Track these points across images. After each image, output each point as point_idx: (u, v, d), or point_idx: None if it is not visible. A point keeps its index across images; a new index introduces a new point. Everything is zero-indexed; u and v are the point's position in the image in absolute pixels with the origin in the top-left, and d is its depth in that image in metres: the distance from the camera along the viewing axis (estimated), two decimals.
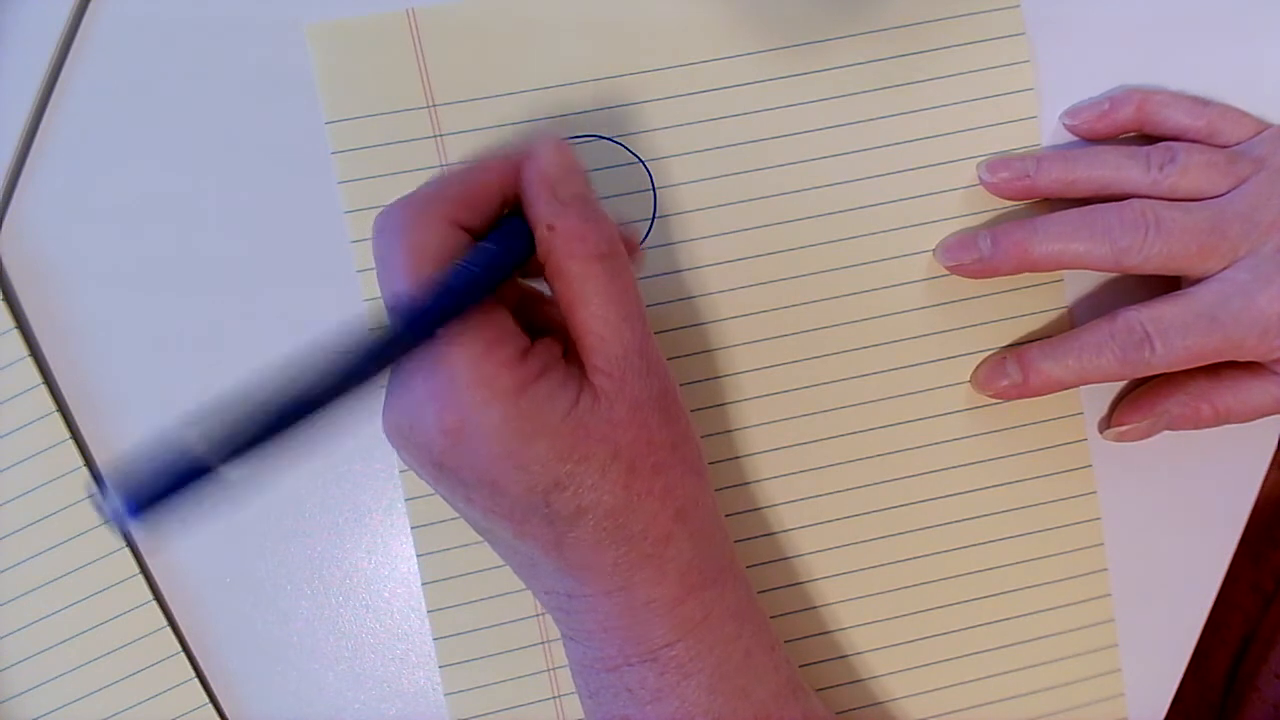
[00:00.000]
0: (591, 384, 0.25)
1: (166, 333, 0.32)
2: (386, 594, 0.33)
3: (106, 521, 0.23)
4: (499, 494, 0.24)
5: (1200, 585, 0.35)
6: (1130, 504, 0.34)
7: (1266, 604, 0.36)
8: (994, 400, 0.33)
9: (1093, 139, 0.34)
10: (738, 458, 0.33)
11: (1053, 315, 0.34)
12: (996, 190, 0.33)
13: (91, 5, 0.32)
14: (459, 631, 0.32)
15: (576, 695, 0.31)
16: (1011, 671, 0.34)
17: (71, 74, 0.32)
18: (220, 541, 0.32)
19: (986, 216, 0.34)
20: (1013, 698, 0.34)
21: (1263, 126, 0.32)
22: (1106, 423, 0.34)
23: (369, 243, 0.32)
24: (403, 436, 0.25)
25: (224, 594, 0.32)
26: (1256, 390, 0.32)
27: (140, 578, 0.32)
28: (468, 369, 0.23)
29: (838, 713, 0.34)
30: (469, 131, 0.32)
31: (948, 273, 0.33)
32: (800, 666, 0.34)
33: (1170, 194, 0.31)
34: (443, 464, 0.24)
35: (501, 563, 0.32)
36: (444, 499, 0.26)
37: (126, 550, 0.32)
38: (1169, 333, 0.30)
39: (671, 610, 0.26)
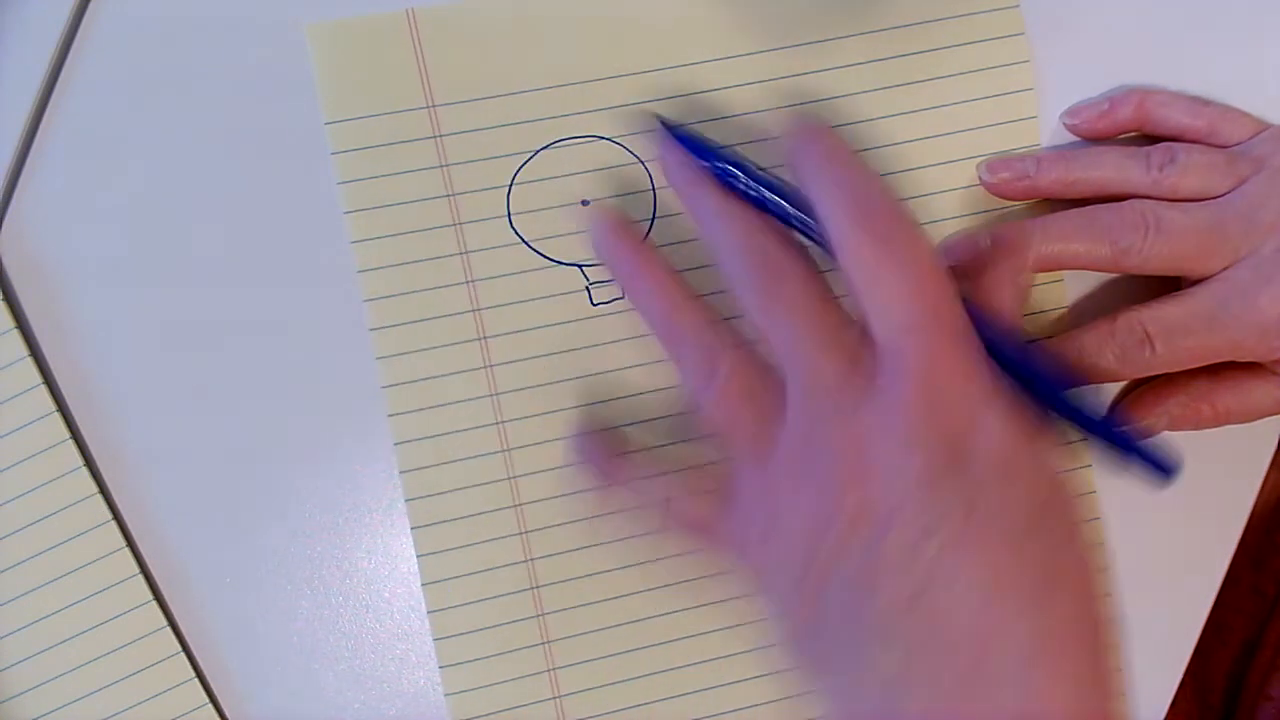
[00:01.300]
0: None
1: (166, 333, 0.32)
2: (386, 594, 0.33)
3: None
4: (1007, 492, 0.22)
5: (1200, 585, 0.35)
6: (1130, 504, 0.34)
7: (1270, 608, 0.36)
8: None
9: (1093, 139, 0.34)
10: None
11: (1053, 315, 0.34)
12: (996, 190, 0.33)
13: (91, 5, 0.32)
14: (459, 632, 0.32)
15: (578, 696, 0.31)
16: None
17: (71, 74, 0.32)
18: (220, 541, 0.32)
19: (986, 216, 0.34)
20: None
21: (1263, 126, 0.32)
22: None
23: (369, 243, 0.32)
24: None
25: (224, 594, 0.32)
26: (1257, 391, 0.32)
27: (140, 578, 0.32)
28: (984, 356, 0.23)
29: None
30: (469, 131, 0.32)
31: None
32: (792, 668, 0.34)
33: (1170, 194, 0.31)
34: (958, 449, 0.22)
35: (501, 563, 0.32)
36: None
37: (126, 550, 0.32)
38: (1169, 333, 0.30)
39: None
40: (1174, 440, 0.33)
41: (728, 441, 0.26)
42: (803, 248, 0.26)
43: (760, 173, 0.26)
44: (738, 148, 0.32)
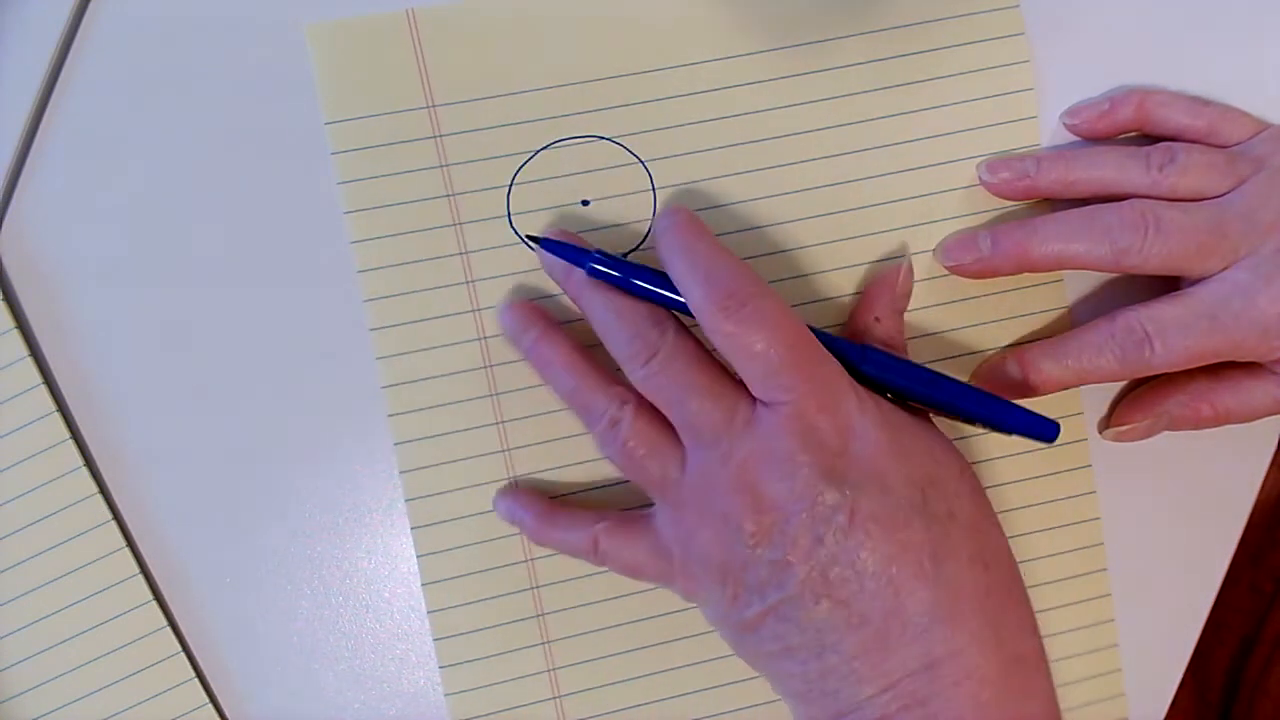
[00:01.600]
0: None
1: (166, 333, 0.32)
2: (386, 594, 0.33)
3: None
4: (885, 489, 0.26)
5: (1200, 585, 0.35)
6: (1130, 504, 0.34)
7: (1268, 605, 0.36)
8: None
9: (1093, 139, 0.34)
10: None
11: (1053, 315, 0.34)
12: (996, 190, 0.33)
13: (91, 5, 0.32)
14: (459, 632, 0.32)
15: (578, 696, 0.31)
16: None
17: (71, 74, 0.32)
18: (220, 541, 0.32)
19: (986, 216, 0.34)
20: None
21: (1263, 126, 0.32)
22: (1106, 423, 0.34)
23: (369, 243, 0.32)
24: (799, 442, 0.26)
25: (224, 594, 0.32)
26: (1257, 391, 0.32)
27: (140, 578, 0.32)
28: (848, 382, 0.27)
29: None
30: (469, 131, 0.32)
31: (948, 273, 0.33)
32: None
33: (1170, 194, 0.31)
34: (833, 470, 0.26)
35: (501, 563, 0.32)
36: (794, 566, 0.26)
37: (126, 550, 0.32)
38: (1169, 333, 0.30)
39: (1043, 670, 0.27)
40: (1174, 440, 0.33)
41: (643, 486, 0.30)
42: (674, 319, 0.29)
43: (627, 262, 0.29)
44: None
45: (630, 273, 0.29)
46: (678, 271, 0.28)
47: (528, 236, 0.31)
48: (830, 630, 0.25)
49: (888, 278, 0.32)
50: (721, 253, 0.28)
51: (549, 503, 0.32)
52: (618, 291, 0.29)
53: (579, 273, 0.30)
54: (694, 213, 0.29)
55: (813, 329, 0.28)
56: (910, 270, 0.32)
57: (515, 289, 0.32)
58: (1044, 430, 0.29)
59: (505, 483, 0.32)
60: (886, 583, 0.25)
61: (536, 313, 0.31)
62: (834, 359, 0.27)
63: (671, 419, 0.28)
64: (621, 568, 0.30)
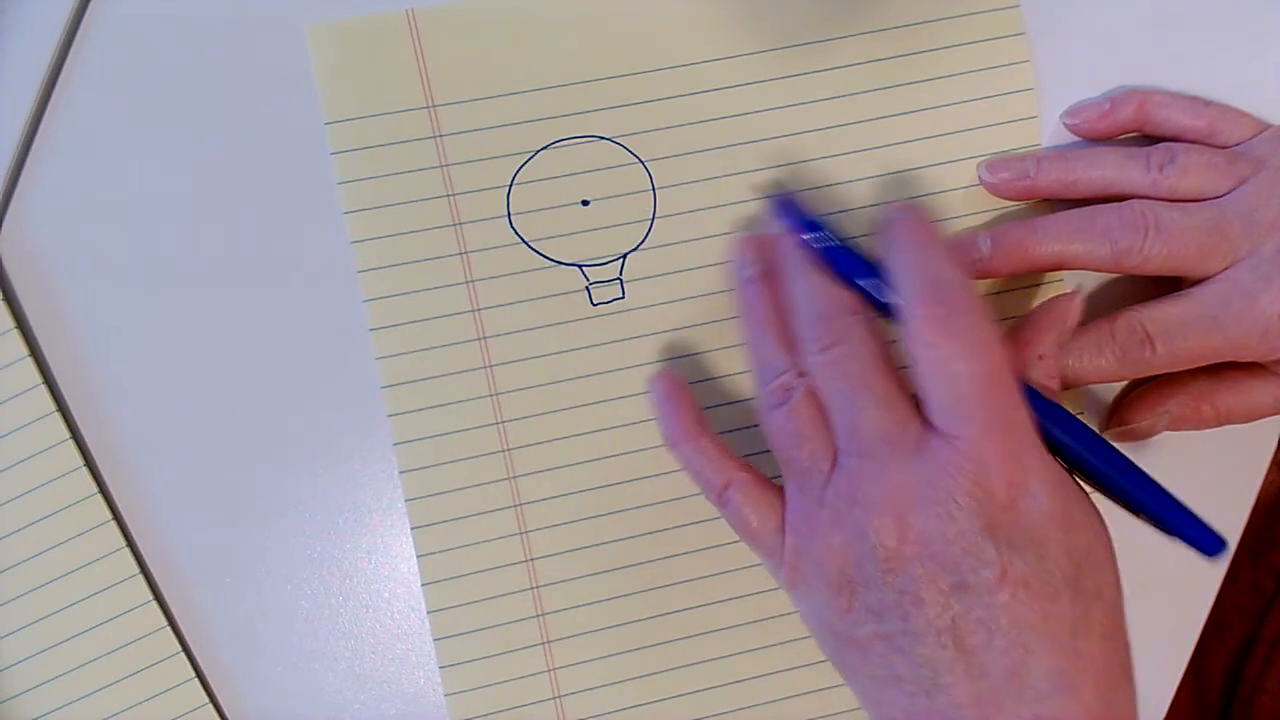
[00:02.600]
0: None
1: (166, 332, 0.32)
2: (386, 594, 0.33)
3: None
4: (1041, 557, 0.25)
5: (1200, 585, 0.35)
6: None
7: (1267, 604, 0.36)
8: None
9: (1093, 139, 0.34)
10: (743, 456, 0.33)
11: None
12: (996, 190, 0.33)
13: (91, 5, 0.32)
14: (459, 632, 0.32)
15: (578, 696, 0.31)
16: None
17: (71, 74, 0.32)
18: (220, 542, 0.32)
19: (986, 216, 0.34)
20: None
21: (1263, 127, 0.32)
22: (1107, 422, 0.34)
23: (369, 243, 0.32)
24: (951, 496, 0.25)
25: (224, 594, 0.32)
26: (1258, 391, 0.32)
27: (140, 578, 0.32)
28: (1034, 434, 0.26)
29: (836, 714, 0.34)
30: (469, 131, 0.32)
31: None
32: (795, 669, 0.34)
33: (1170, 195, 0.31)
34: (995, 525, 0.24)
35: (501, 563, 0.32)
36: (925, 604, 0.25)
37: (126, 550, 0.32)
38: (1169, 333, 0.30)
39: None
40: (1174, 440, 0.33)
41: (784, 463, 0.28)
42: (871, 316, 0.28)
43: (843, 245, 0.29)
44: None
45: (842, 255, 0.28)
46: (898, 267, 0.27)
47: (767, 197, 0.30)
48: (946, 673, 0.24)
49: (1057, 310, 0.30)
50: (948, 263, 0.26)
51: (699, 423, 0.30)
52: (821, 267, 0.28)
53: (790, 235, 0.29)
54: (928, 215, 0.28)
55: None
56: (1081, 303, 0.30)
57: (515, 289, 0.32)
58: (1209, 544, 0.28)
59: (505, 482, 0.32)
60: (1019, 645, 0.24)
61: (764, 253, 0.30)
62: (1026, 404, 0.26)
63: (833, 415, 0.27)
64: (736, 523, 0.29)
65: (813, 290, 0.28)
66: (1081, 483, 0.28)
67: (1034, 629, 0.24)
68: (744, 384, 0.33)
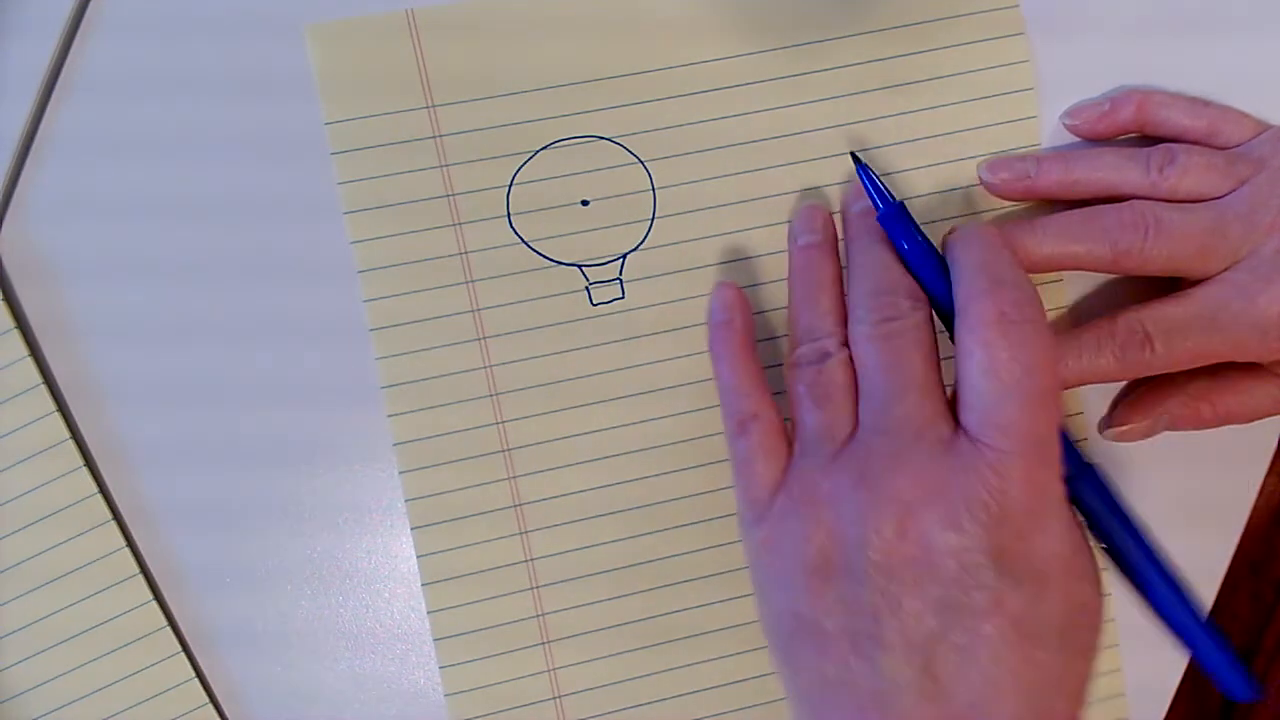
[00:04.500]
0: None
1: (167, 332, 0.32)
2: (386, 594, 0.33)
3: None
4: (1039, 599, 0.23)
5: (1201, 585, 0.35)
6: (1130, 504, 0.34)
7: (1267, 615, 0.36)
8: None
9: (1093, 139, 0.34)
10: None
11: (1053, 315, 0.34)
12: (996, 191, 0.33)
13: (92, 4, 0.32)
14: (459, 632, 0.32)
15: (578, 696, 0.31)
16: None
17: (71, 74, 0.32)
18: (220, 542, 0.32)
19: (986, 217, 0.34)
20: None
21: (1263, 127, 0.32)
22: (1106, 422, 0.34)
23: (369, 243, 0.32)
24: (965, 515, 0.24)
25: (224, 594, 0.32)
26: (1257, 391, 0.32)
27: (140, 578, 0.32)
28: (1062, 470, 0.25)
29: None
30: (469, 132, 0.32)
31: None
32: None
33: (1170, 195, 0.31)
34: (1002, 550, 0.23)
35: (501, 563, 0.32)
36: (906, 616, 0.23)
37: (126, 550, 0.32)
38: (1169, 333, 0.30)
39: None
40: (1174, 441, 0.33)
41: (798, 424, 0.27)
42: (930, 307, 0.27)
43: (916, 230, 0.29)
44: None
45: (914, 241, 0.28)
46: (968, 260, 0.26)
47: (852, 153, 0.31)
48: (907, 693, 0.23)
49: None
50: (1019, 270, 0.26)
51: (747, 343, 0.29)
52: (893, 247, 0.28)
53: (867, 207, 0.29)
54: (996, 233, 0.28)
55: None
56: None
57: (515, 289, 0.32)
58: (1239, 689, 0.26)
59: (505, 482, 0.32)
60: (990, 683, 0.23)
61: (825, 224, 0.30)
62: (1063, 434, 0.25)
63: (866, 390, 0.26)
64: (741, 462, 0.28)
65: (884, 264, 0.28)
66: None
67: (1011, 671, 0.23)
68: None
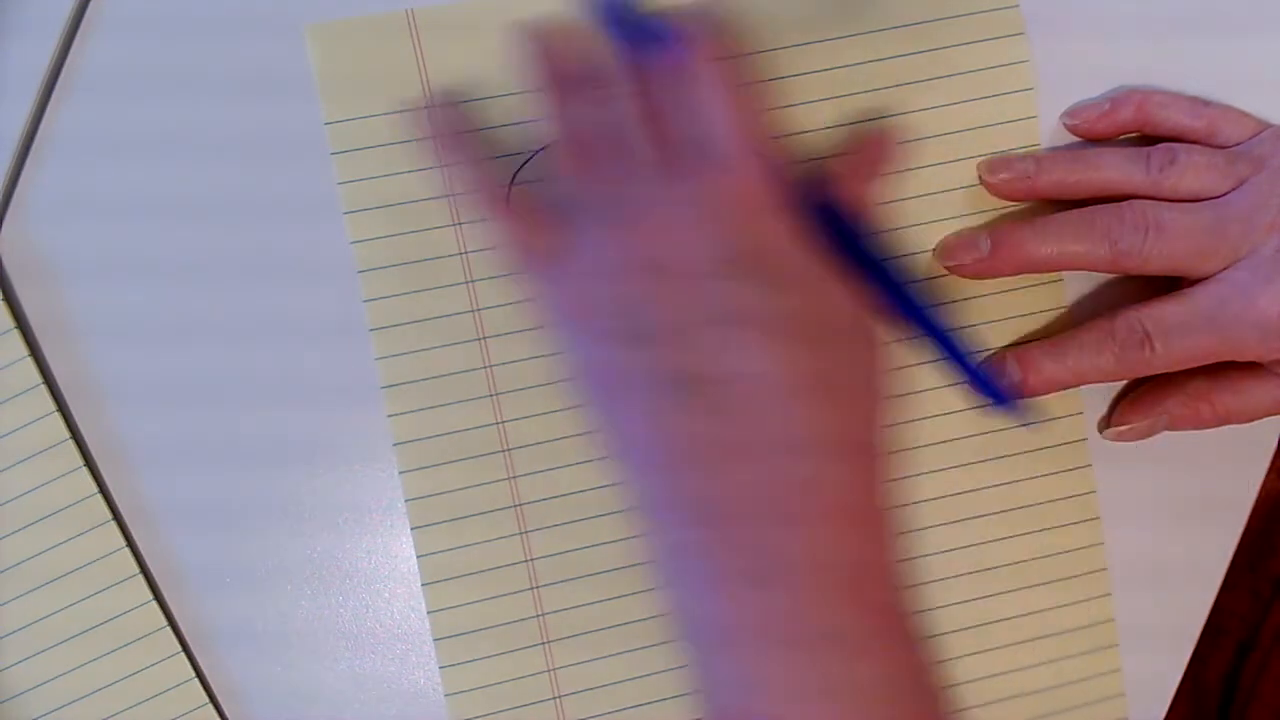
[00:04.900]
0: None
1: (167, 332, 0.32)
2: (386, 594, 0.33)
3: None
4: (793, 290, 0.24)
5: (1201, 584, 0.35)
6: (1130, 504, 0.34)
7: (1264, 611, 0.36)
8: None
9: (1093, 139, 0.34)
10: None
11: (1053, 315, 0.34)
12: (996, 191, 0.33)
13: (92, 4, 0.32)
14: (459, 632, 0.32)
15: (578, 696, 0.31)
16: (1011, 671, 0.34)
17: (71, 74, 0.32)
18: (220, 541, 0.32)
19: (986, 216, 0.34)
20: (1013, 698, 0.34)
21: (1263, 126, 0.32)
22: (1106, 422, 0.34)
23: (369, 243, 0.32)
24: None
25: (224, 594, 0.32)
26: (1257, 391, 0.32)
27: (140, 578, 0.32)
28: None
29: None
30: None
31: (947, 273, 0.33)
32: None
33: (1170, 195, 0.31)
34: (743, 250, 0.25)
35: (501, 563, 0.32)
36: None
37: (126, 550, 0.32)
38: (1168, 333, 0.30)
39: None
40: (1174, 440, 0.33)
41: (576, 187, 0.27)
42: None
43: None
44: None
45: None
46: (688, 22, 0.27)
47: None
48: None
49: (874, 146, 0.31)
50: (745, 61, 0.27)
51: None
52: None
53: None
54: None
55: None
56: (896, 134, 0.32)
57: (516, 289, 0.32)
58: (994, 392, 0.28)
59: (505, 482, 0.32)
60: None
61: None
62: (783, 170, 0.26)
63: (624, 132, 0.26)
64: (506, 220, 0.28)
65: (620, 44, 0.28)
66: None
67: (795, 383, 0.24)
68: None
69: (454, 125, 0.30)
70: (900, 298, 0.28)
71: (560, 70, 0.28)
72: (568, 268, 0.26)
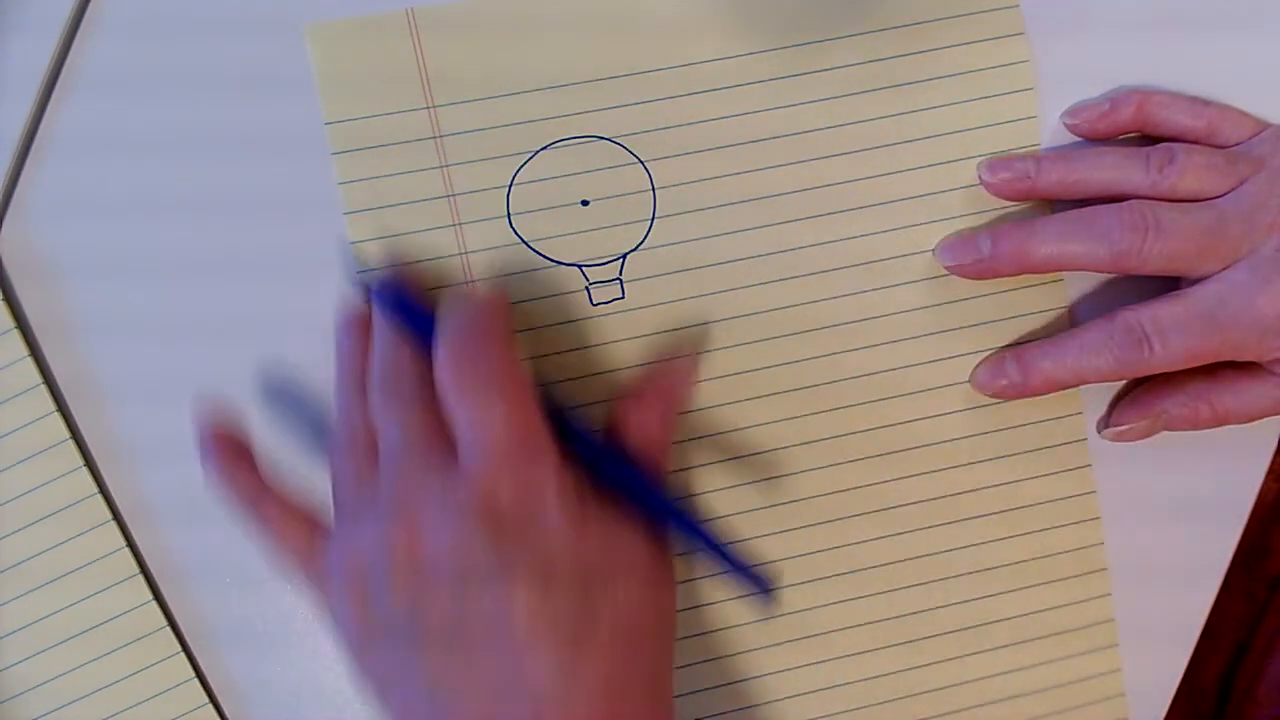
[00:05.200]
0: None
1: (167, 332, 0.32)
2: None
3: None
4: (549, 562, 0.26)
5: (1200, 584, 0.35)
6: (1130, 505, 0.34)
7: (1260, 612, 0.36)
8: (993, 400, 0.33)
9: (1093, 139, 0.34)
10: (735, 458, 0.33)
11: (1053, 315, 0.34)
12: (996, 191, 0.33)
13: (92, 4, 0.32)
14: None
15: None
16: (1011, 671, 0.34)
17: (71, 74, 0.32)
18: (220, 542, 0.32)
19: (986, 216, 0.34)
20: (1013, 698, 0.34)
21: (1263, 127, 0.32)
22: (1106, 422, 0.34)
23: (367, 244, 0.32)
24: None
25: (224, 594, 0.32)
26: (1256, 391, 0.32)
27: (140, 578, 0.32)
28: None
29: (836, 714, 0.34)
30: (469, 132, 0.32)
31: (947, 273, 0.33)
32: (796, 668, 0.34)
33: (1170, 195, 0.31)
34: (502, 531, 0.26)
35: None
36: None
37: (126, 550, 0.32)
38: (1168, 333, 0.30)
39: None
40: (1173, 440, 0.33)
41: (338, 485, 0.29)
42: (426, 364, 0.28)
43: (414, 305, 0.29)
44: None
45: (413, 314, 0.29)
46: (441, 319, 0.28)
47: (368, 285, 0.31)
48: (447, 675, 0.25)
49: (670, 378, 0.31)
50: (489, 317, 0.28)
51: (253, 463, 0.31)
52: (393, 329, 0.29)
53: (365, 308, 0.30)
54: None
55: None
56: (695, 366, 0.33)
57: (515, 289, 0.32)
58: (760, 585, 0.29)
59: None
60: (517, 645, 0.25)
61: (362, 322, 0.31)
62: (553, 448, 0.27)
63: (381, 440, 0.28)
64: (288, 549, 0.30)
65: (381, 346, 0.29)
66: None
67: (534, 630, 0.25)
68: (744, 381, 0.33)
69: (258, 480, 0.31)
70: (683, 526, 0.29)
71: (356, 368, 0.30)
72: (329, 558, 0.28)
